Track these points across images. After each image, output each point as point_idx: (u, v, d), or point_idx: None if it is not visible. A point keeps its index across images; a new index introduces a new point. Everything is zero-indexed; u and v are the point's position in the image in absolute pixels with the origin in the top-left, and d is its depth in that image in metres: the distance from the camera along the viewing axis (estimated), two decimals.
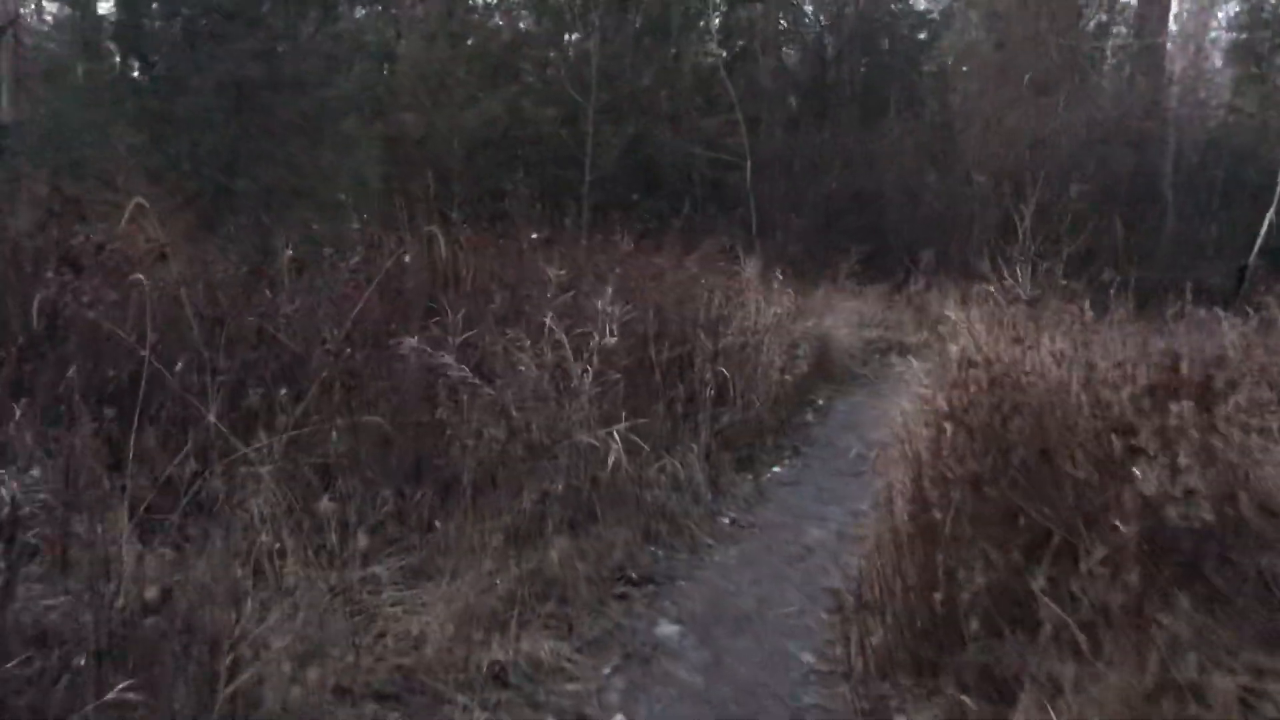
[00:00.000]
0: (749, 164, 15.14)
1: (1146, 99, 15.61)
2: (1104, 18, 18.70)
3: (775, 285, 8.92)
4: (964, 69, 19.46)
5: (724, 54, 18.25)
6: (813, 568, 4.75)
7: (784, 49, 18.40)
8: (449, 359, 4.61)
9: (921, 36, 19.93)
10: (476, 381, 4.60)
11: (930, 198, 14.59)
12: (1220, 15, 21.33)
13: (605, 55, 15.76)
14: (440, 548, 3.86)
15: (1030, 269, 7.41)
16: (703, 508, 5.29)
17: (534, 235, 7.82)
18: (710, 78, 17.62)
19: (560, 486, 4.11)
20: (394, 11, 17.19)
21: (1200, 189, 16.84)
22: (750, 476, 6.36)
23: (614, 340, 5.33)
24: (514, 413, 4.31)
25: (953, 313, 12.31)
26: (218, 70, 9.84)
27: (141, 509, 3.34)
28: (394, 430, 3.96)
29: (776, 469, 6.72)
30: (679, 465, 5.12)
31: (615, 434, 4.28)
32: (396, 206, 9.66)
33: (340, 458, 3.96)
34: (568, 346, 5.14)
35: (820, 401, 8.58)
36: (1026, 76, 15.99)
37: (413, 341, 4.70)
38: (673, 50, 17.70)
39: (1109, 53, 19.44)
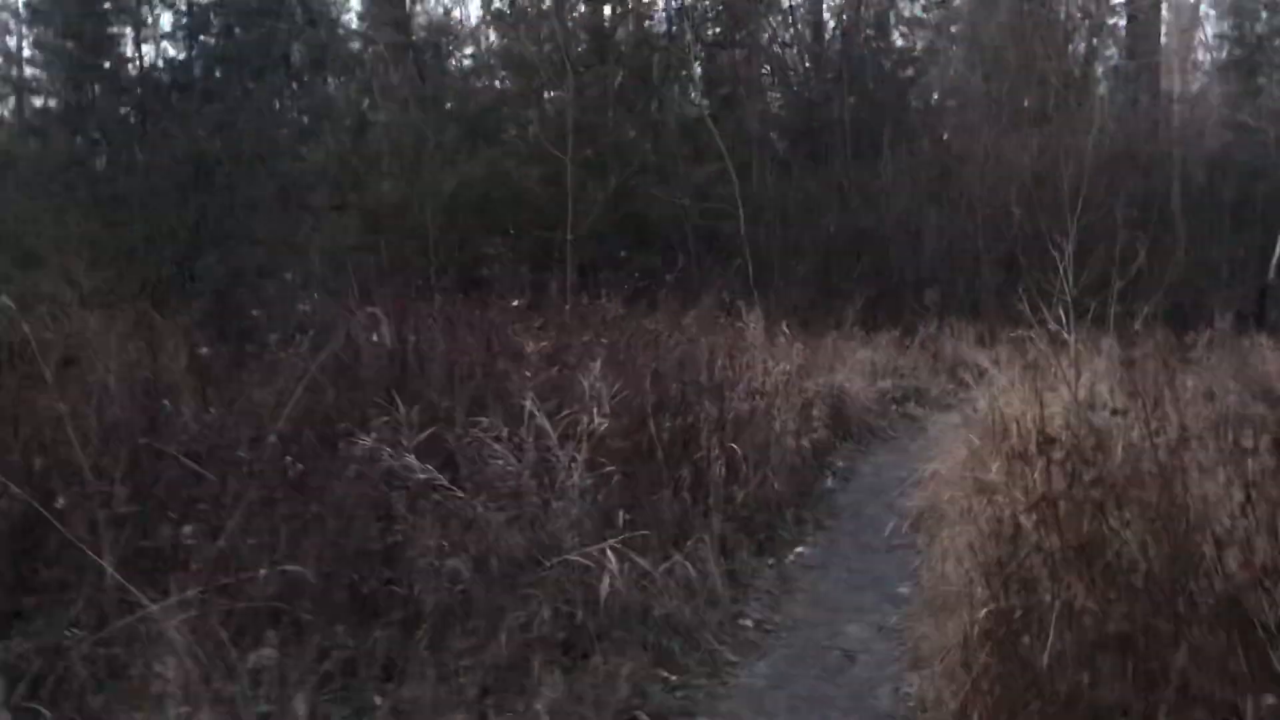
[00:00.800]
0: (741, 212, 14.54)
1: (1149, 119, 15.08)
2: (1094, 41, 18.28)
3: (781, 339, 8.22)
4: (952, 104, 19.01)
5: (708, 103, 17.79)
6: (858, 684, 3.96)
7: (769, 93, 17.94)
8: (409, 458, 3.90)
9: (908, 74, 19.51)
10: (443, 484, 3.88)
11: (932, 235, 13.96)
12: (1202, 33, 20.99)
13: (583, 108, 15.25)
14: (400, 706, 3.10)
15: (1070, 309, 6.68)
16: (720, 611, 4.51)
17: (514, 303, 7.15)
18: (696, 127, 17.12)
19: (547, 614, 3.35)
20: (366, 79, 16.72)
21: (1209, 209, 16.26)
22: (771, 561, 5.59)
23: (605, 422, 4.61)
24: (488, 523, 3.57)
25: (984, 360, 11.62)
26: (173, 147, 9.25)
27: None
28: (336, 558, 3.21)
29: (800, 549, 5.95)
30: (689, 565, 4.35)
31: (609, 550, 3.52)
32: (371, 279, 8.99)
33: (273, 598, 3.21)
34: (552, 433, 4.41)
35: (840, 464, 7.82)
36: (1024, 103, 15.50)
37: (367, 441, 3.98)
38: (655, 102, 17.23)
39: (1101, 76, 19.01)
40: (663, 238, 14.88)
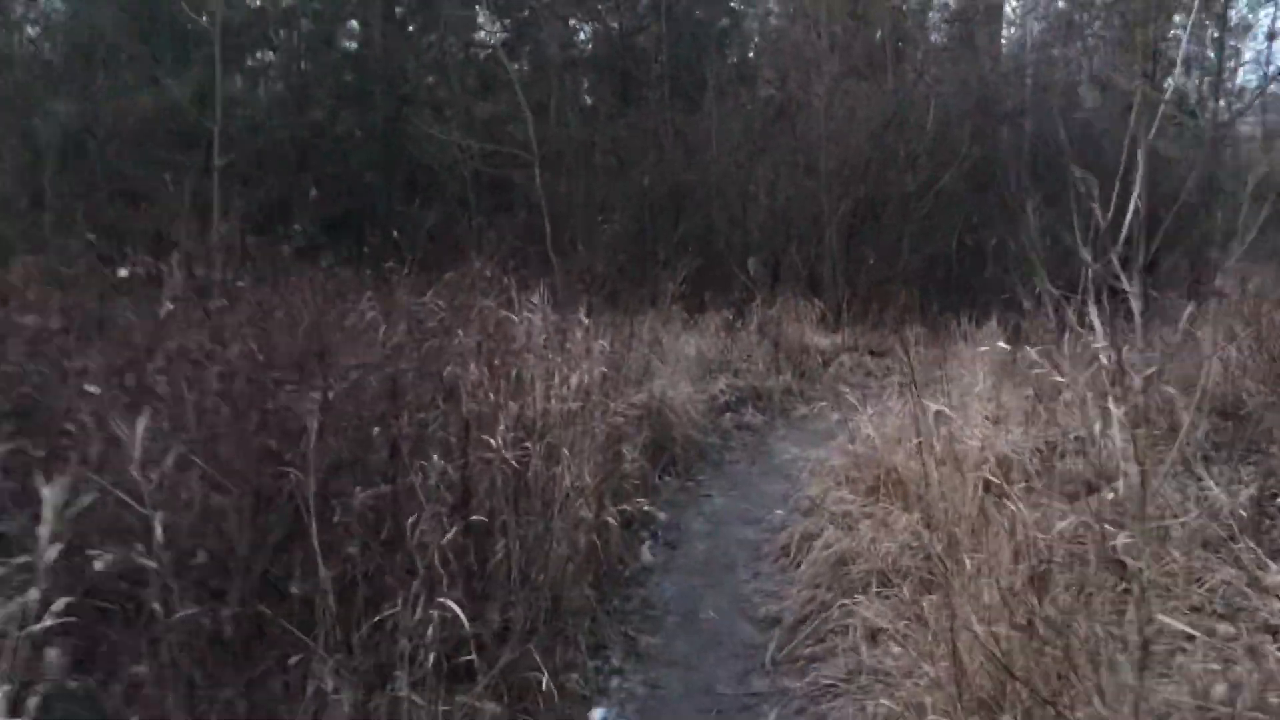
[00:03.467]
0: (537, 159, 11.81)
1: (1001, 69, 13.40)
2: None
3: (580, 330, 5.61)
4: (780, 47, 16.87)
5: (499, 27, 14.91)
6: None
7: (573, 21, 15.15)
8: None
9: (724, 23, 17.20)
10: None
11: (766, 194, 11.67)
12: None
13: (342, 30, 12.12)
14: None
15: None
16: None
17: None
18: (487, 58, 14.27)
19: None
20: None
21: (1060, 169, 14.77)
22: None
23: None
24: None
25: (824, 344, 9.38)
26: None
27: None
28: None
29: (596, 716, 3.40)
30: None
31: None
32: None
33: None
34: None
35: (661, 517, 5.32)
36: (852, 52, 13.40)
37: None
38: (441, 27, 14.17)
39: (935, 24, 17.37)
40: (440, 187, 11.97)
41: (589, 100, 15.23)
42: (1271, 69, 20.58)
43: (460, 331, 4.67)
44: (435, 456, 3.50)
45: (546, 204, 11.45)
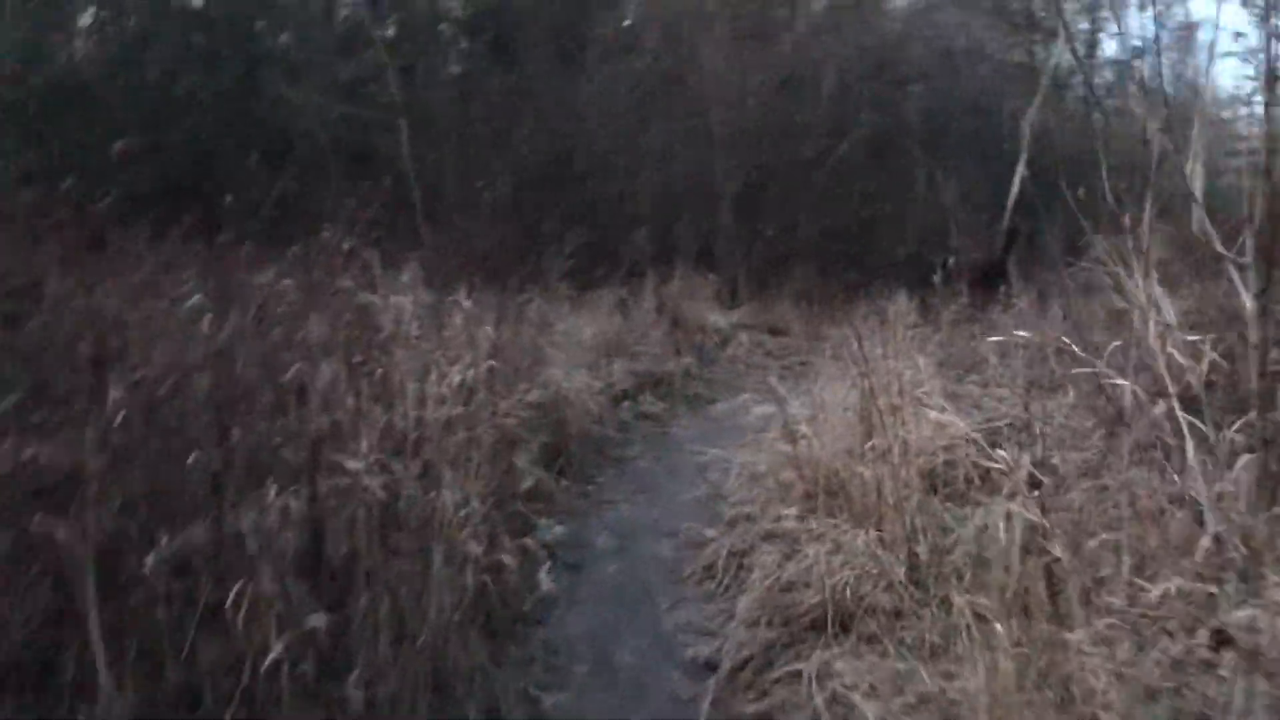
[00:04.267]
0: (405, 123, 10.80)
1: (900, 31, 12.95)
2: None
3: (460, 314, 4.78)
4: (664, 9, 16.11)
5: None
6: None
7: None
8: None
9: None
10: None
11: (653, 162, 10.91)
12: None
13: None
14: None
15: None
16: None
17: None
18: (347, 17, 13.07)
19: None
20: None
21: (947, 137, 14.44)
22: None
23: None
24: None
25: (723, 323, 8.74)
26: None
27: None
28: None
29: None
30: None
31: None
32: None
33: None
34: None
35: (559, 530, 4.55)
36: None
37: None
38: None
39: None
40: (299, 154, 10.81)
41: (459, 63, 14.19)
42: (1138, 41, 20.99)
43: (311, 318, 3.78)
44: (273, 487, 2.67)
45: (416, 171, 10.48)
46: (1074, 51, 13.72)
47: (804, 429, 4.17)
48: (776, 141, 10.74)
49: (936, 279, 7.52)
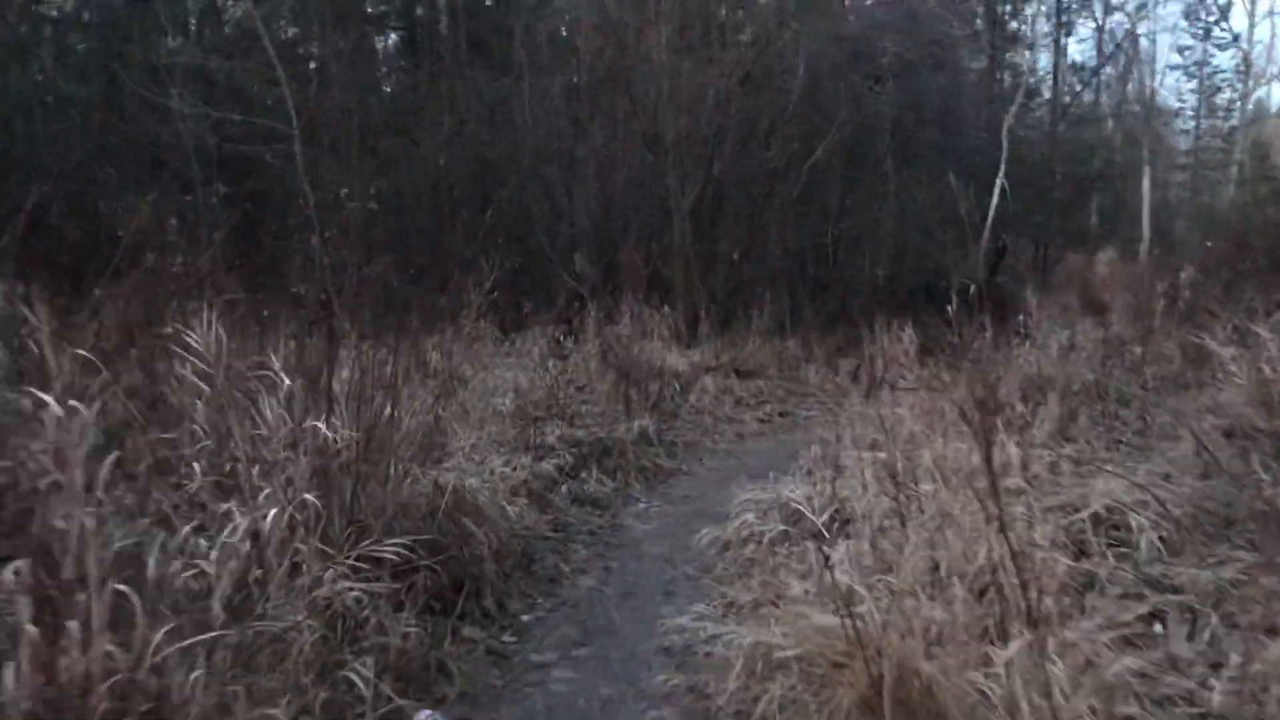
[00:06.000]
0: (297, 133, 9.04)
1: (872, 19, 11.48)
2: None
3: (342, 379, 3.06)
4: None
5: None
6: None
7: None
8: None
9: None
10: None
11: (594, 172, 9.23)
12: None
13: None
14: None
15: None
16: None
17: None
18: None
19: None
20: None
21: (918, 147, 13.07)
22: None
23: None
24: None
25: (682, 365, 7.16)
26: None
27: None
28: None
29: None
30: None
31: None
32: None
33: None
34: None
35: None
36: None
37: None
38: None
39: None
40: (163, 167, 9.02)
41: (364, 63, 12.44)
42: (1108, 48, 19.98)
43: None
44: None
45: (311, 187, 8.76)
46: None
47: (850, 578, 2.51)
48: (737, 148, 9.16)
49: (951, 309, 5.98)
